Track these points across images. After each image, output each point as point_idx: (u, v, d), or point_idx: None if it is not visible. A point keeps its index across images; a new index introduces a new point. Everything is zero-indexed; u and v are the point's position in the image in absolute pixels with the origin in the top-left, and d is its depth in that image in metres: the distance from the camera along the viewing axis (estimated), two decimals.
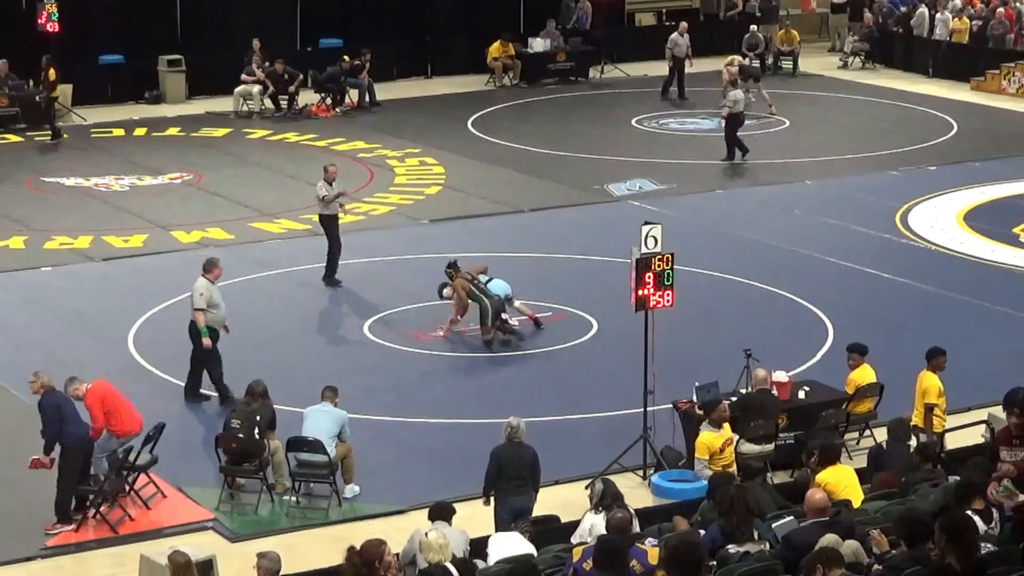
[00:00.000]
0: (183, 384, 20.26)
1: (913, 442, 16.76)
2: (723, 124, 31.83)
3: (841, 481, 15.07)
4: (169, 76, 37.65)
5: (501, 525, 15.20)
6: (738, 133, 31.55)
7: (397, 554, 13.75)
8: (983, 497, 12.61)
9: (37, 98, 34.46)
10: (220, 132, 34.78)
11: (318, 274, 24.79)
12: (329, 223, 24.06)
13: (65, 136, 34.00)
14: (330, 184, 24.03)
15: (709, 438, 16.77)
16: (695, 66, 41.53)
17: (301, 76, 36.36)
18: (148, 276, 24.84)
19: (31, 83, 35.47)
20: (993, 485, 12.63)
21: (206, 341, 19.46)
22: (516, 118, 36.37)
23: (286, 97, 36.59)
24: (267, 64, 36.25)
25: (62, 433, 16.41)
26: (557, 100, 38.58)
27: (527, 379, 20.65)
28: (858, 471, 15.89)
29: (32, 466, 16.60)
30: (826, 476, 15.03)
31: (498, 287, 21.88)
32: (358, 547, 12.42)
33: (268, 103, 36.40)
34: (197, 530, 16.54)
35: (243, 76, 36.36)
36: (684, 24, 39.27)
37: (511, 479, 15.61)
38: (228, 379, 19.70)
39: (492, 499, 15.77)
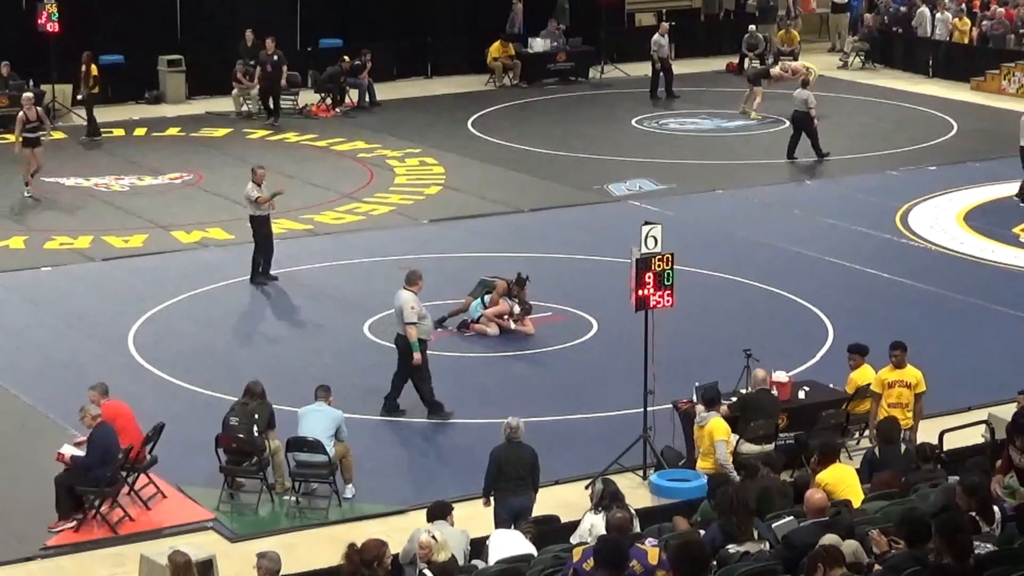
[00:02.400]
0: (183, 384, 20.26)
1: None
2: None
3: (841, 481, 15.06)
4: (169, 76, 37.67)
5: (501, 525, 15.20)
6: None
7: (396, 554, 13.78)
8: (985, 497, 12.59)
9: (78, 96, 34.43)
10: (220, 132, 34.78)
11: (318, 274, 24.83)
12: (260, 223, 24.15)
13: (120, 132, 34.26)
14: (259, 186, 24.13)
15: (720, 422, 16.75)
16: (696, 66, 41.68)
17: (286, 72, 35.80)
18: (148, 276, 24.84)
19: (31, 83, 35.46)
20: (998, 479, 12.52)
21: (417, 356, 19.18)
22: (516, 118, 36.36)
23: (290, 96, 36.63)
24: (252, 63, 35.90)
25: (96, 469, 16.41)
26: (557, 100, 38.58)
27: (527, 379, 20.65)
28: (857, 471, 15.88)
29: (58, 457, 16.61)
30: (826, 476, 15.02)
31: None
32: (359, 545, 12.42)
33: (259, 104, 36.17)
34: (197, 530, 16.53)
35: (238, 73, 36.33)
36: (665, 25, 39.35)
37: (511, 479, 15.61)
38: (228, 379, 19.70)
39: (492, 499, 15.76)
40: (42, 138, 29.54)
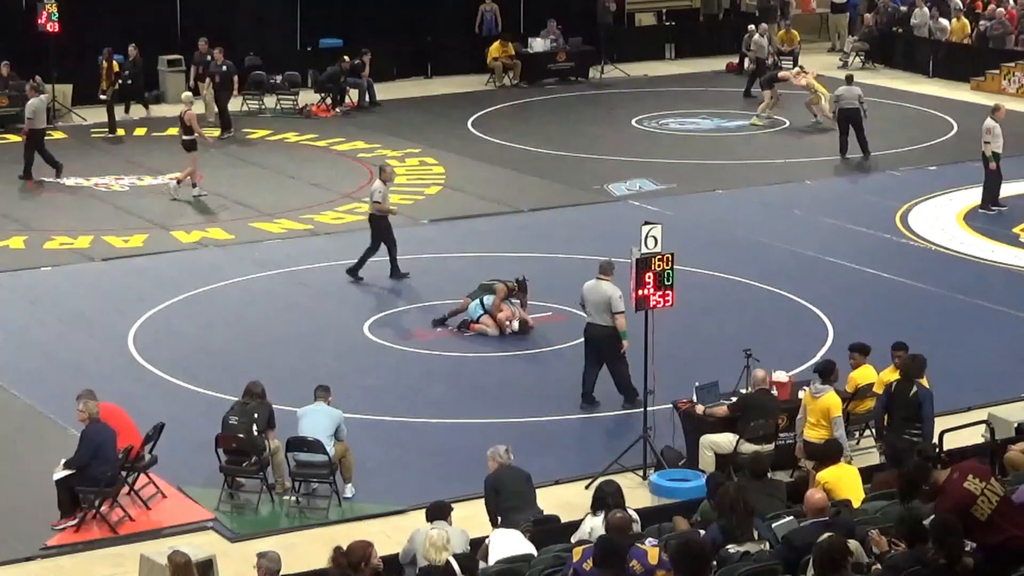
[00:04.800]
0: (183, 384, 20.26)
1: None
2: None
3: (842, 480, 15.06)
4: (169, 76, 37.65)
5: None
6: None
7: (396, 554, 13.77)
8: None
9: (101, 95, 34.43)
10: (220, 132, 34.72)
11: (318, 274, 24.82)
12: (378, 221, 24.16)
13: (121, 132, 34.21)
14: (385, 184, 24.26)
15: (836, 398, 16.90)
16: (696, 66, 41.71)
17: (233, 80, 34.40)
18: (148, 276, 24.84)
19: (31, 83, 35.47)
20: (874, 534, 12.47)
21: (626, 344, 19.15)
22: (516, 118, 36.36)
23: (289, 96, 36.63)
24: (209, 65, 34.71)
25: (88, 467, 16.39)
26: (557, 100, 38.58)
27: (527, 379, 20.64)
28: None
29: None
30: (827, 475, 15.02)
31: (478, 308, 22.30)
32: (344, 548, 12.40)
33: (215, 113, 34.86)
34: (197, 530, 16.52)
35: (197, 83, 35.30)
36: (764, 25, 39.30)
37: (510, 496, 15.27)
38: (228, 379, 19.71)
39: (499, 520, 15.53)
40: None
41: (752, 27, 41.56)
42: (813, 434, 16.88)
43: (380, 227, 24.12)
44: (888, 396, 16.75)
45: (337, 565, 12.31)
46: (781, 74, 37.07)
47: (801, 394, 17.47)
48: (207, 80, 34.88)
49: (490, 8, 41.58)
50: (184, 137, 29.30)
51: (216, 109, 34.68)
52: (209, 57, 34.83)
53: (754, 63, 38.47)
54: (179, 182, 29.35)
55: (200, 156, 29.57)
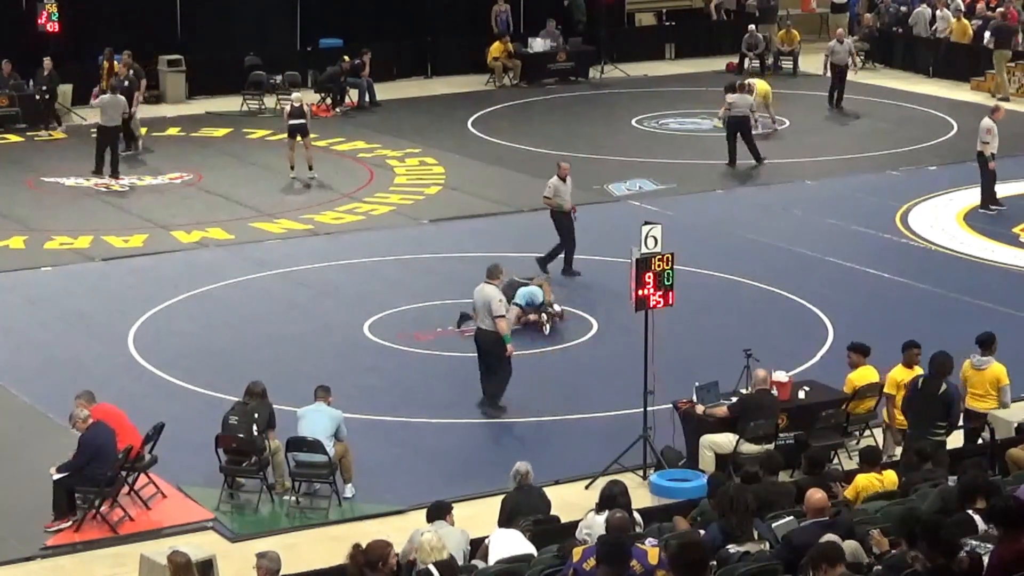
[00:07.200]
0: (183, 384, 20.26)
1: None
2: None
3: (874, 486, 15.05)
4: (169, 76, 37.62)
5: None
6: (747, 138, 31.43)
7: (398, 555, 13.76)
8: (985, 496, 12.59)
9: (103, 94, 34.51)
10: (220, 132, 34.76)
11: (318, 274, 24.81)
12: (560, 218, 24.45)
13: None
14: (563, 180, 24.44)
15: (1002, 367, 17.35)
16: (696, 66, 41.65)
17: (139, 91, 33.02)
18: (148, 276, 24.83)
19: (31, 83, 35.46)
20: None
21: (511, 348, 19.26)
22: (516, 118, 36.35)
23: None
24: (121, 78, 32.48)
25: (85, 469, 16.41)
26: (557, 100, 38.57)
27: (527, 379, 20.61)
28: (853, 471, 15.85)
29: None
30: (864, 481, 15.01)
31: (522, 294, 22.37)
32: (364, 545, 12.39)
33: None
34: (197, 530, 16.53)
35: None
36: (841, 31, 39.08)
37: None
38: (228, 379, 19.71)
39: None
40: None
41: (752, 27, 41.64)
42: (981, 405, 17.24)
43: (557, 222, 24.54)
44: (915, 392, 16.74)
45: (354, 562, 12.29)
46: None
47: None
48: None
49: (504, 8, 41.57)
50: (291, 121, 30.12)
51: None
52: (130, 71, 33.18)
53: (829, 69, 37.92)
54: (310, 167, 30.19)
55: (211, 157, 29.54)
